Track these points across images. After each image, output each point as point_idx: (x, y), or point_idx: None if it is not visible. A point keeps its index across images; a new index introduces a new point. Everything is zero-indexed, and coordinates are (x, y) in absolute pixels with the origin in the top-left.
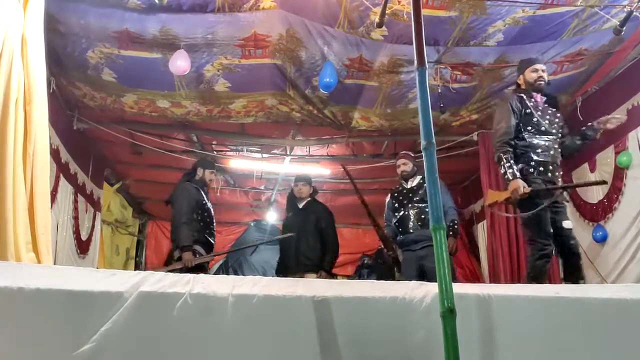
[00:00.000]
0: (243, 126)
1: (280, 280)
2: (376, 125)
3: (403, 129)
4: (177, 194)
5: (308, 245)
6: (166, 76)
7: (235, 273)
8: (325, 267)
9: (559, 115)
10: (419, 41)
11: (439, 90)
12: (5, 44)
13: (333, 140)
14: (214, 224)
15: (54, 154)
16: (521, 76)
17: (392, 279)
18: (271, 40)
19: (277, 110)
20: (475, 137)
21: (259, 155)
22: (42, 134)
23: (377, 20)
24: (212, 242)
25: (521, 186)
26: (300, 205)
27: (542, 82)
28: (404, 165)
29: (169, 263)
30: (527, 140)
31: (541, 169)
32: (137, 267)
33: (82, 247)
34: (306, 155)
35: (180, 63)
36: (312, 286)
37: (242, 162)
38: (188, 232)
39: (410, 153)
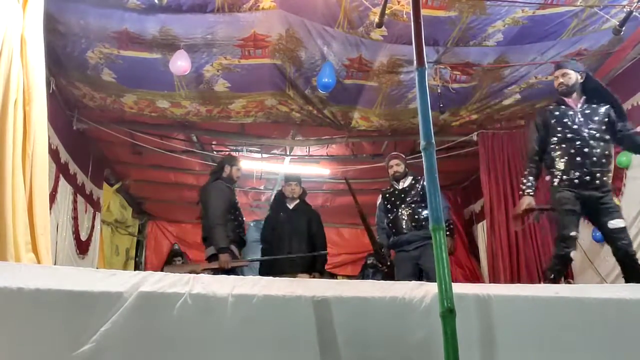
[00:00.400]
0: (243, 126)
1: (280, 281)
2: (376, 126)
3: (403, 129)
4: (209, 193)
5: (300, 246)
6: (166, 76)
7: (235, 273)
8: (319, 268)
9: (601, 110)
10: (419, 41)
11: (439, 91)
12: (4, 44)
13: (333, 140)
14: (244, 222)
15: (54, 154)
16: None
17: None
18: (271, 40)
19: (277, 110)
20: (475, 137)
21: (258, 155)
22: (42, 134)
23: (376, 20)
24: (245, 240)
25: (524, 203)
26: (291, 206)
27: (564, 87)
28: (397, 166)
29: (169, 263)
30: (551, 153)
31: (565, 177)
32: (136, 267)
33: (82, 247)
34: (306, 156)
35: (180, 63)
36: (311, 286)
37: (242, 162)
38: (224, 233)
39: (401, 154)
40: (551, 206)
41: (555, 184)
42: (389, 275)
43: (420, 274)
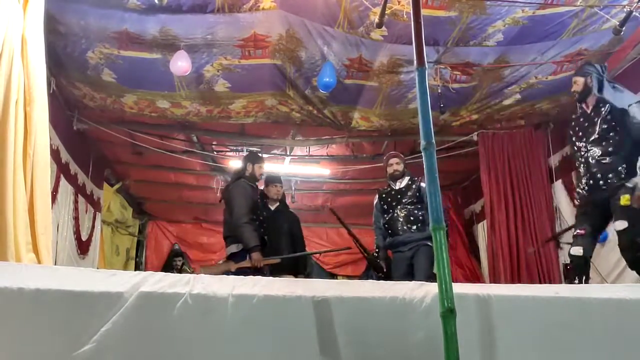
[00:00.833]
0: (243, 126)
1: (280, 281)
2: (376, 126)
3: (403, 129)
4: (233, 192)
5: (283, 247)
6: (166, 76)
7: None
8: (302, 270)
9: (608, 116)
10: (419, 41)
11: (439, 90)
12: (5, 45)
13: (333, 140)
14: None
15: (54, 154)
16: None
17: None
18: (271, 40)
19: (277, 110)
20: (475, 137)
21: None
22: (42, 135)
23: (376, 20)
24: (266, 240)
25: None
26: (273, 207)
27: (575, 96)
28: (397, 164)
29: (170, 263)
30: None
31: (584, 180)
32: (137, 267)
33: (83, 247)
34: (306, 156)
35: (181, 64)
36: (311, 286)
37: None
38: (253, 232)
39: (400, 154)
40: None
41: (581, 186)
42: (388, 278)
43: (412, 275)
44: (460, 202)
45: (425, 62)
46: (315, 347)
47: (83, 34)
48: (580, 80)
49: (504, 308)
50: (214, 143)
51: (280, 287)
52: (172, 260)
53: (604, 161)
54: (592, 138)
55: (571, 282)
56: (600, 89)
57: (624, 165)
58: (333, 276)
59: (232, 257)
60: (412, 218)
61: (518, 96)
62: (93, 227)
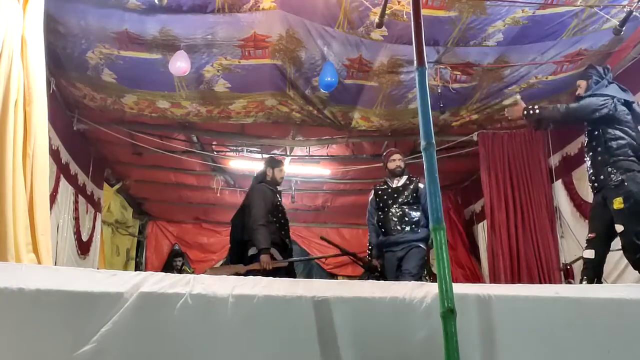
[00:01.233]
0: (243, 127)
1: (281, 281)
2: (376, 126)
3: (403, 129)
4: (252, 195)
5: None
6: (166, 77)
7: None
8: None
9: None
10: (419, 41)
11: (439, 91)
12: (5, 45)
13: (333, 140)
14: (289, 225)
15: (54, 154)
16: None
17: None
18: (271, 40)
19: (277, 110)
20: (475, 137)
21: (259, 155)
22: (42, 135)
23: (376, 20)
24: (288, 243)
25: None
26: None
27: (579, 96)
28: (399, 160)
29: (170, 263)
30: None
31: (588, 183)
32: (137, 267)
33: (83, 247)
34: (306, 156)
35: (180, 64)
36: (312, 286)
37: (242, 162)
38: (266, 235)
39: (400, 152)
40: None
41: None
42: (382, 277)
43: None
44: (460, 202)
45: (425, 62)
46: (315, 348)
47: (83, 34)
48: (583, 83)
49: (504, 308)
50: (214, 143)
51: (280, 288)
52: (172, 260)
53: (597, 163)
54: (587, 141)
55: (580, 282)
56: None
57: (612, 166)
58: (333, 276)
59: (251, 260)
60: (406, 218)
61: (518, 96)
62: (93, 227)
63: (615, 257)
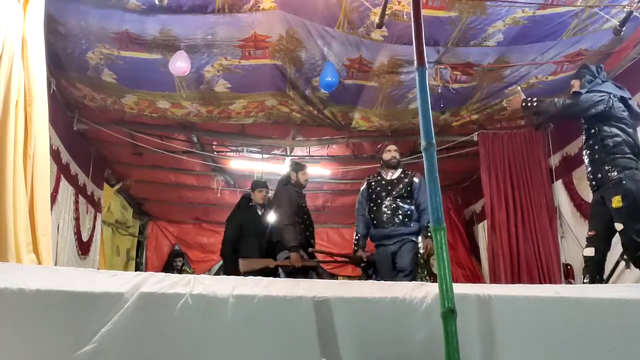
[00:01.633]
0: (243, 127)
1: (281, 281)
2: (376, 126)
3: (403, 129)
4: (278, 197)
5: (268, 251)
6: (166, 77)
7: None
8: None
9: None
10: (419, 41)
11: (439, 91)
12: (5, 45)
13: (333, 140)
14: (314, 227)
15: (55, 154)
16: None
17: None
18: (271, 40)
19: (277, 110)
20: (475, 138)
21: (259, 155)
22: (43, 135)
23: (377, 20)
24: (312, 243)
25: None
26: (260, 213)
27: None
28: (395, 152)
29: (170, 263)
30: None
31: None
32: (137, 268)
33: (83, 248)
34: (306, 156)
35: (180, 64)
36: (312, 287)
37: (243, 162)
38: (294, 233)
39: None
40: None
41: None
42: (368, 269)
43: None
44: (460, 202)
45: (426, 63)
46: (315, 348)
47: (83, 35)
48: (576, 82)
49: (504, 308)
50: (214, 143)
51: (281, 288)
52: (172, 260)
53: (595, 161)
54: (584, 139)
55: (582, 280)
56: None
57: (608, 165)
58: (334, 277)
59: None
60: (399, 212)
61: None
62: (93, 227)
63: (615, 258)
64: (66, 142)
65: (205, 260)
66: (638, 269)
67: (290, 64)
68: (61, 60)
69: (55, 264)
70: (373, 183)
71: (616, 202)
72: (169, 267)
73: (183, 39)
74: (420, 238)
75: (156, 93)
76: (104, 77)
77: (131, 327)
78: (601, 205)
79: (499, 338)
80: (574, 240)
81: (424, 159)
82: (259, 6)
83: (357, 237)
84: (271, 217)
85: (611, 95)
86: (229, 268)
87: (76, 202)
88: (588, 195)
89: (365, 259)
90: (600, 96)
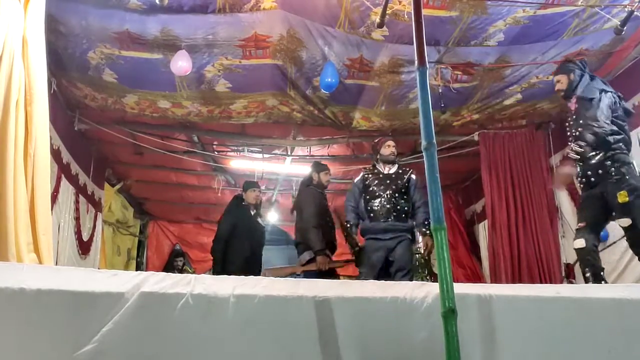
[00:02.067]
0: (244, 127)
1: (281, 281)
2: (377, 126)
3: (404, 129)
4: (303, 199)
5: (259, 252)
6: (167, 77)
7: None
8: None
9: (587, 114)
10: (420, 41)
11: (440, 90)
12: (6, 45)
13: (334, 140)
14: (335, 228)
15: (55, 154)
16: None
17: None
18: (272, 40)
19: (278, 110)
20: (476, 137)
21: (259, 155)
22: (43, 135)
23: (377, 20)
24: (335, 245)
25: None
26: (252, 214)
27: (561, 94)
28: (394, 147)
29: (171, 263)
30: None
31: (579, 178)
32: (138, 267)
33: (84, 247)
34: (307, 156)
35: (181, 64)
36: (313, 286)
37: (243, 162)
38: (320, 236)
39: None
40: None
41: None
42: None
43: (386, 266)
44: (461, 202)
45: (426, 62)
46: (316, 347)
47: (84, 34)
48: (563, 78)
49: (505, 308)
50: (215, 143)
51: (281, 288)
52: (173, 260)
53: (591, 157)
54: (577, 135)
55: (583, 275)
56: (577, 86)
57: (609, 161)
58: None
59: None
60: (398, 207)
61: (519, 96)
62: (94, 227)
63: (615, 257)
64: (67, 141)
65: (206, 260)
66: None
67: (291, 63)
68: (62, 60)
69: (56, 264)
70: (370, 176)
71: (623, 197)
72: (169, 266)
73: (184, 39)
74: (419, 236)
75: (157, 93)
76: (105, 77)
77: (132, 327)
78: (597, 200)
79: (500, 338)
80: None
81: (424, 159)
82: (260, 6)
83: (349, 224)
84: (297, 219)
85: (616, 94)
86: (218, 269)
87: (77, 202)
88: None
89: (359, 244)
90: (613, 95)
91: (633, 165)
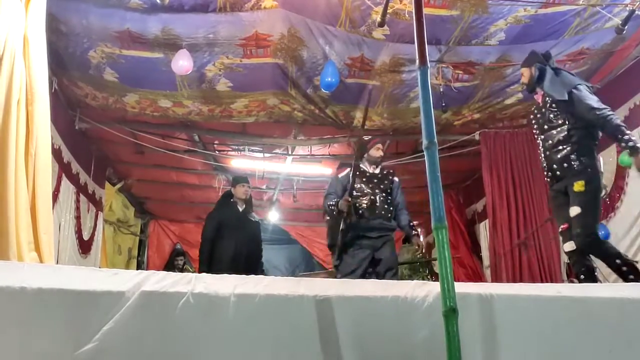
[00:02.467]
0: (245, 126)
1: (282, 280)
2: (378, 125)
3: (405, 128)
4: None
5: (248, 251)
6: (168, 76)
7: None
8: (259, 273)
9: (553, 105)
10: (421, 40)
11: (441, 90)
12: (7, 44)
13: (335, 139)
14: None
15: (56, 153)
16: None
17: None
18: (273, 39)
19: (279, 109)
20: (477, 137)
21: (260, 154)
22: (44, 134)
23: (378, 19)
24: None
25: None
26: (241, 209)
27: (525, 87)
28: (382, 151)
29: (172, 262)
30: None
31: (545, 172)
32: (139, 266)
33: (84, 246)
34: (308, 155)
35: (182, 63)
36: (314, 285)
37: (244, 161)
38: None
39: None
40: None
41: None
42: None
43: (371, 264)
44: (462, 201)
45: (427, 61)
46: (317, 347)
47: (85, 34)
48: (525, 71)
49: (506, 307)
50: (216, 142)
51: (282, 287)
52: (174, 259)
53: (558, 151)
54: (545, 129)
55: (577, 276)
56: (541, 78)
57: (576, 153)
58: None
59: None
60: (385, 206)
61: (520, 95)
62: (95, 226)
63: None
64: (68, 141)
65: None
66: (586, 255)
67: (291, 62)
68: (63, 59)
69: (57, 263)
70: (358, 173)
71: (578, 186)
72: (170, 265)
73: (184, 38)
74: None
75: (158, 92)
76: (106, 76)
77: (132, 326)
78: (563, 196)
79: (501, 337)
80: None
81: (425, 158)
82: (261, 5)
83: (331, 207)
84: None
85: (585, 84)
86: (204, 269)
87: (77, 201)
88: None
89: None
90: (588, 87)
91: (598, 160)
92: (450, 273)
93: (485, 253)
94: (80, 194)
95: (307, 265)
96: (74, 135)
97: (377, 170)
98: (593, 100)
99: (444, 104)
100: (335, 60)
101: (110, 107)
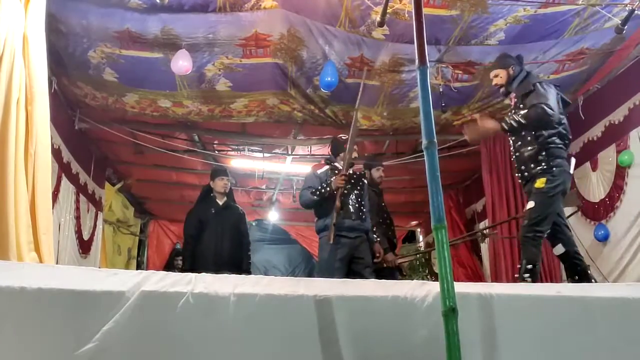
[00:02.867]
0: (244, 126)
1: (282, 280)
2: (377, 125)
3: (404, 128)
4: None
5: (229, 244)
6: (168, 76)
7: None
8: (245, 268)
9: (520, 106)
10: (420, 40)
11: (441, 89)
12: (7, 44)
13: None
14: (394, 225)
15: (56, 153)
16: None
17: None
18: (272, 39)
19: (279, 109)
20: None
21: (260, 154)
22: (44, 134)
23: (378, 19)
24: (395, 242)
25: None
26: (221, 202)
27: (499, 89)
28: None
29: (171, 262)
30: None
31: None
32: (138, 266)
33: (84, 246)
34: (307, 155)
35: (182, 63)
36: (313, 285)
37: (244, 161)
38: (382, 235)
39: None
40: None
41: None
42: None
43: (351, 262)
44: (461, 201)
45: (427, 61)
46: (317, 346)
47: (84, 34)
48: (502, 72)
49: (505, 307)
50: (216, 142)
51: (282, 287)
52: (173, 259)
53: (525, 152)
54: (514, 130)
55: (571, 278)
56: (512, 80)
57: (543, 153)
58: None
59: None
60: (363, 208)
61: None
62: (95, 226)
63: (617, 256)
64: (67, 141)
65: None
66: (521, 245)
67: (291, 62)
68: (62, 59)
69: (57, 263)
70: (336, 172)
71: (540, 183)
72: (170, 265)
73: (184, 38)
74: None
75: (157, 92)
76: (105, 76)
77: (132, 326)
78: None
79: (500, 337)
80: (575, 239)
81: (425, 158)
82: (260, 5)
83: (317, 191)
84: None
85: (551, 85)
86: (187, 267)
87: (77, 201)
88: (589, 194)
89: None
90: (551, 87)
91: (566, 160)
92: (450, 273)
93: (485, 253)
94: (80, 194)
95: (307, 265)
96: (74, 135)
97: (351, 171)
98: (544, 97)
99: (443, 104)
100: (335, 60)
101: (110, 107)
